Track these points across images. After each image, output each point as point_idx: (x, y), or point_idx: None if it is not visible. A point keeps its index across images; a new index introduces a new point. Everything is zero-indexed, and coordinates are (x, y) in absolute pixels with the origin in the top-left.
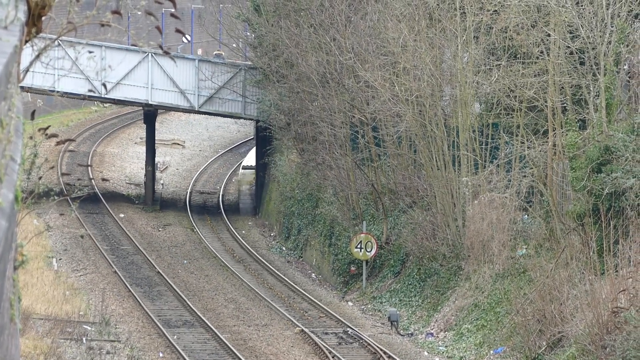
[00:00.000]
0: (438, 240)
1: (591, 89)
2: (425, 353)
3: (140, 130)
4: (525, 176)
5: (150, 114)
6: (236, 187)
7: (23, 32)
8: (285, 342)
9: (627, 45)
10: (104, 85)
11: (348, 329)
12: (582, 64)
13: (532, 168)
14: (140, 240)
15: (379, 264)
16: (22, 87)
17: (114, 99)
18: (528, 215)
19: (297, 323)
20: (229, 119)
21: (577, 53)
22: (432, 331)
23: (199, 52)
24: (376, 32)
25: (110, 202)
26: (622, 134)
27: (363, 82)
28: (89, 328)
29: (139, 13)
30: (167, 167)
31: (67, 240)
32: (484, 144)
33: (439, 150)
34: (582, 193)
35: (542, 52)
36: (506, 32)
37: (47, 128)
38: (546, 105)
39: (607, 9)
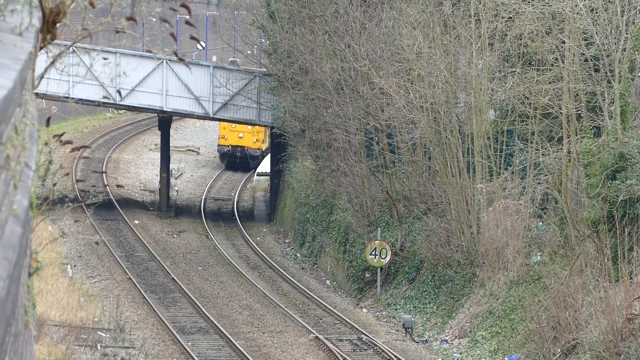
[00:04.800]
0: (453, 247)
1: (606, 96)
2: None
3: (155, 137)
4: (539, 183)
5: (164, 120)
6: (251, 194)
7: (38, 39)
8: (300, 349)
9: None
10: (119, 91)
11: (363, 335)
12: (596, 71)
13: (546, 175)
14: (154, 247)
15: (393, 271)
16: (36, 94)
17: (128, 106)
18: (543, 222)
19: (311, 330)
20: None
21: (591, 60)
22: (446, 338)
23: (214, 58)
24: (391, 39)
25: (124, 209)
26: (636, 141)
27: (378, 89)
28: (104, 334)
29: (154, 20)
30: (181, 173)
31: (81, 246)
32: (498, 151)
33: (453, 157)
34: (597, 200)
35: (556, 59)
36: (521, 39)
37: (61, 134)
38: (561, 112)
39: (622, 16)
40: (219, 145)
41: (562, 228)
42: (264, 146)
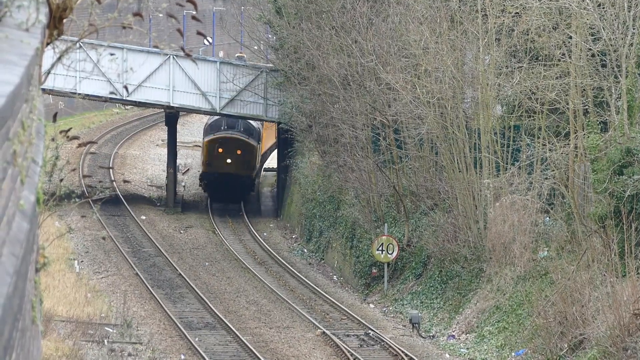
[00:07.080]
0: (459, 242)
1: (613, 91)
2: (447, 355)
3: (162, 133)
4: (546, 178)
5: (171, 116)
6: (257, 190)
7: (44, 35)
8: (307, 345)
9: None
10: (126, 87)
11: (369, 331)
12: (603, 66)
13: (553, 170)
14: (161, 242)
15: (400, 266)
16: (43, 90)
17: (135, 101)
18: (549, 218)
19: (318, 325)
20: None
21: (598, 55)
22: (453, 333)
23: (221, 54)
24: (398, 35)
25: (131, 204)
26: None
27: (384, 84)
28: (111, 330)
29: (161, 15)
30: (188, 169)
31: (88, 242)
32: (505, 146)
33: (460, 152)
34: (604, 195)
35: (563, 54)
36: (528, 35)
37: (68, 130)
38: (568, 108)
39: (629, 11)
40: (202, 172)
41: (569, 223)
42: (254, 172)
